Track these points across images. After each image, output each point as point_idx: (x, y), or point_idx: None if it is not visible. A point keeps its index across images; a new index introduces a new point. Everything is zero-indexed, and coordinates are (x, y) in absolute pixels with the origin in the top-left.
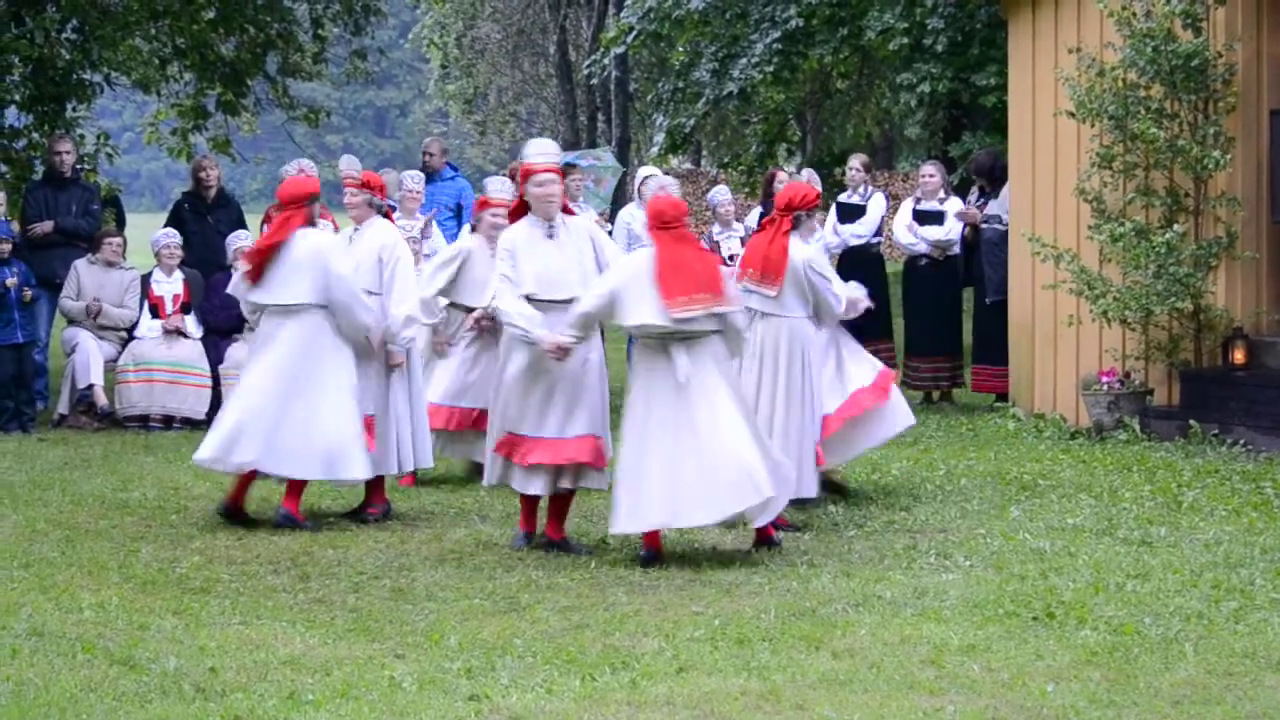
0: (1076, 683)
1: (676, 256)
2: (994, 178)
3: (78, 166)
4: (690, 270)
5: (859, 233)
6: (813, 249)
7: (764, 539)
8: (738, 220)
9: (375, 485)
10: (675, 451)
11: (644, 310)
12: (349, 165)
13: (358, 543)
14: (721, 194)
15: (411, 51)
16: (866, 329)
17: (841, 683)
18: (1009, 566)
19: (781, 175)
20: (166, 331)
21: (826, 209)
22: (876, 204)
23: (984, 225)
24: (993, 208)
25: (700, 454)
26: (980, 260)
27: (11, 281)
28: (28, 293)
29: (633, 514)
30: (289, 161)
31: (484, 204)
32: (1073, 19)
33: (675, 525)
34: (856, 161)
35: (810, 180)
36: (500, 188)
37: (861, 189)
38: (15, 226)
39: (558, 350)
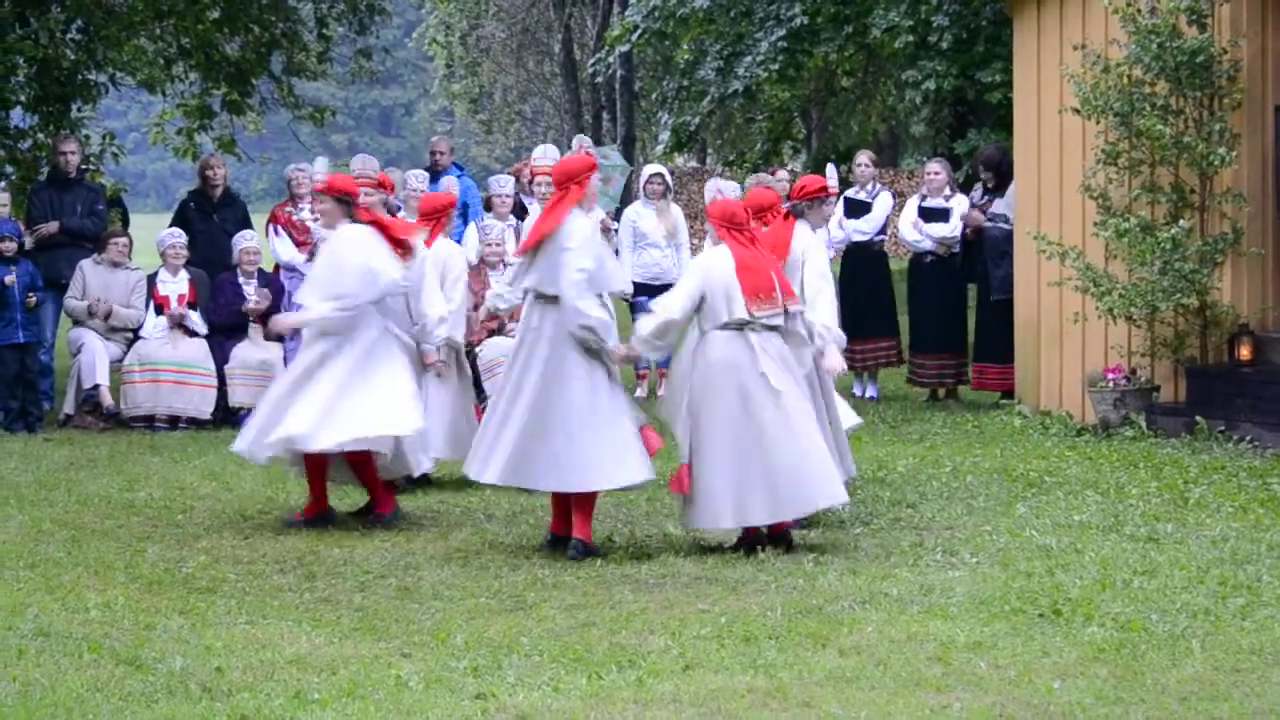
0: (1083, 679)
1: (751, 257)
2: (1001, 173)
3: (83, 167)
4: (764, 270)
5: (862, 229)
6: (818, 243)
7: (778, 534)
8: None
9: (386, 485)
10: (764, 447)
11: (728, 310)
12: (364, 165)
13: (364, 542)
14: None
15: (416, 51)
16: (871, 326)
17: (848, 680)
18: (1015, 563)
19: (781, 173)
20: (171, 324)
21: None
22: (882, 202)
23: (989, 224)
24: (998, 206)
25: (789, 452)
26: (984, 258)
27: (10, 279)
28: (32, 298)
29: (739, 510)
30: (294, 161)
31: (450, 205)
32: (1077, 15)
33: (771, 521)
34: (864, 158)
35: (830, 174)
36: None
37: (869, 186)
38: (22, 226)
39: (625, 361)
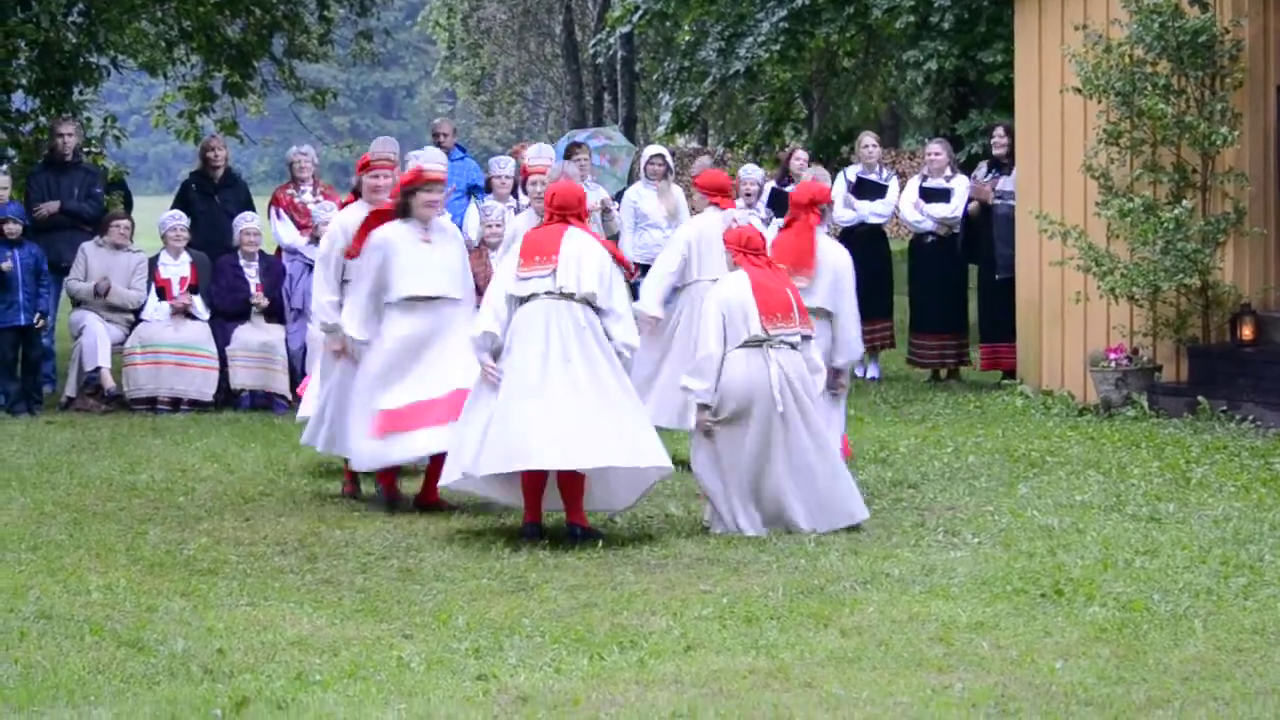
0: (1085, 659)
1: (767, 278)
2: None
3: (84, 150)
4: (781, 291)
5: (879, 211)
6: (848, 259)
7: None
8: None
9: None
10: (785, 464)
11: (746, 328)
12: (385, 147)
13: (365, 524)
14: (751, 173)
15: (418, 33)
16: (871, 308)
17: (850, 660)
18: (1017, 544)
19: (800, 153)
20: (175, 311)
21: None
22: (895, 185)
23: (998, 201)
24: (1006, 184)
25: (810, 471)
26: (993, 236)
27: (6, 265)
28: (39, 320)
29: (760, 521)
30: (295, 144)
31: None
32: None
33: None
34: (870, 139)
35: (819, 177)
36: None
37: (876, 167)
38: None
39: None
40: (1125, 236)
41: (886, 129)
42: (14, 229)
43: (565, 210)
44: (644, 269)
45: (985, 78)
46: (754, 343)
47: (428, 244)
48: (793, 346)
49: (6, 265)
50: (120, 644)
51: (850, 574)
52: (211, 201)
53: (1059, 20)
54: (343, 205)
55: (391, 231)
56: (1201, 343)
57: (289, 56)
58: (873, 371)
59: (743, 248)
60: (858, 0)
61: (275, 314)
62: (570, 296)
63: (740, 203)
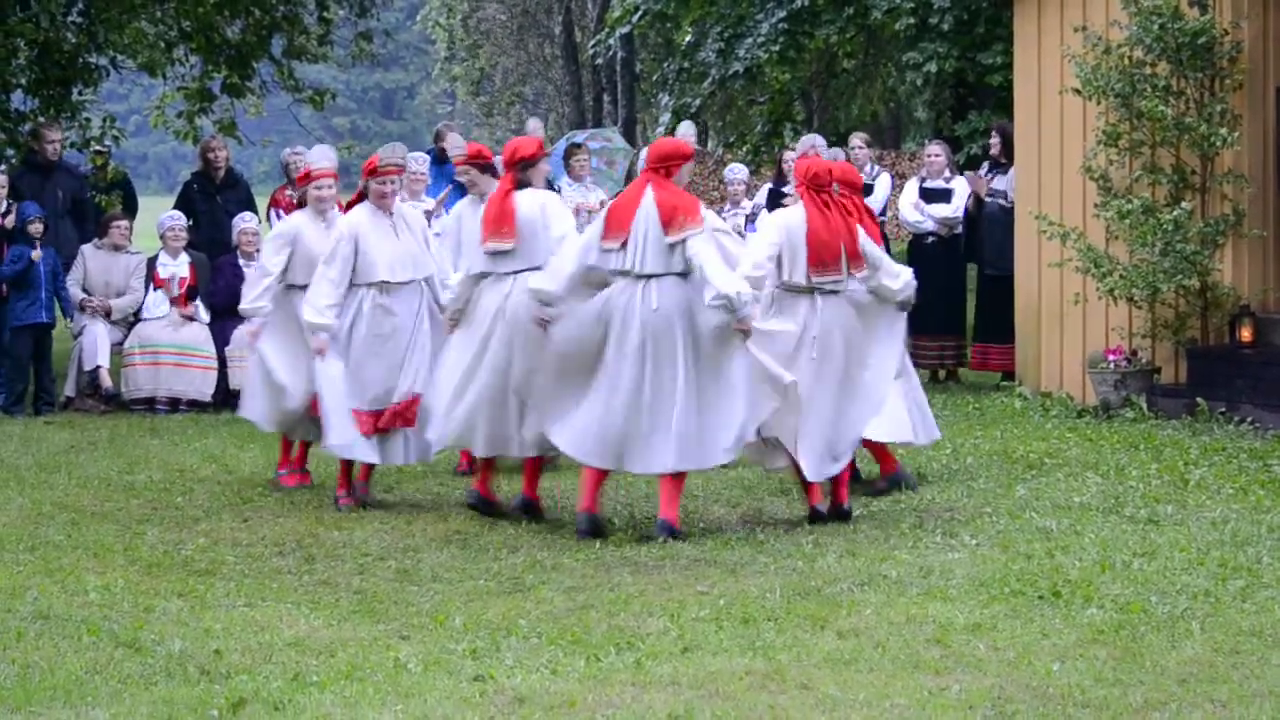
0: (1082, 661)
1: (825, 221)
2: (1012, 147)
3: (95, 149)
4: (836, 237)
5: (872, 208)
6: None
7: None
8: (747, 199)
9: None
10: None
11: (790, 270)
12: (394, 152)
13: (362, 524)
14: (736, 172)
15: (418, 33)
16: None
17: (846, 662)
18: (1015, 545)
19: (789, 155)
20: (184, 316)
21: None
22: (884, 183)
23: (989, 199)
24: (999, 183)
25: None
26: (981, 233)
27: (36, 255)
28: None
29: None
30: (291, 145)
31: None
32: None
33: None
34: (859, 140)
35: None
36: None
37: (868, 167)
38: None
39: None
40: (1124, 238)
41: (887, 130)
42: (38, 228)
43: (667, 161)
44: None
45: (985, 79)
46: (803, 290)
47: None
48: (838, 292)
49: (37, 254)
50: (117, 644)
51: (847, 575)
52: (213, 202)
53: (1058, 22)
54: (345, 207)
55: None
56: (1200, 344)
57: (288, 57)
58: None
59: (808, 181)
60: (857, 1)
61: None
62: (647, 276)
63: (727, 205)
